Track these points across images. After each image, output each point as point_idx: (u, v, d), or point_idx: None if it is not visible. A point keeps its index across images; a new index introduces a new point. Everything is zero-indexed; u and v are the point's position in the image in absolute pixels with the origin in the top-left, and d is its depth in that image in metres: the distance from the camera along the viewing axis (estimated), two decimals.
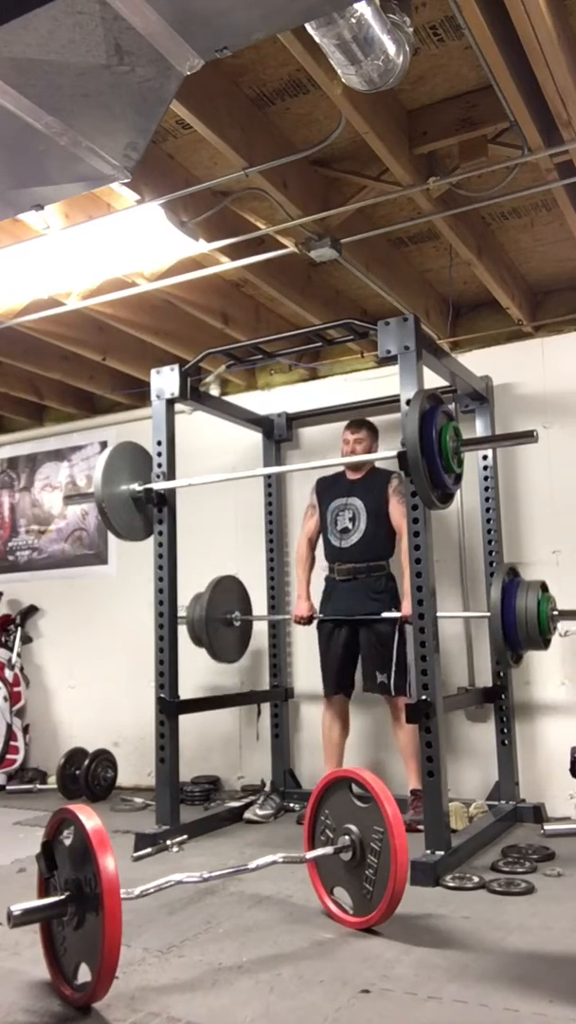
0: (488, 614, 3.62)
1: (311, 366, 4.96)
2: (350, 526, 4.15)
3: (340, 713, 4.14)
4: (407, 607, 3.73)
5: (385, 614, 3.95)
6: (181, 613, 3.95)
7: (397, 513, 4.00)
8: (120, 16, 1.55)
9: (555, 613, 3.64)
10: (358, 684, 4.14)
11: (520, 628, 3.54)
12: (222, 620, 4.47)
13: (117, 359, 4.74)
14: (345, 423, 4.29)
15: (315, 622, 4.21)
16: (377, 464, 4.24)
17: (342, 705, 4.14)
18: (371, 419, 4.30)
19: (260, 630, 4.73)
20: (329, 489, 4.31)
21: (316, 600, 4.25)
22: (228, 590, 4.56)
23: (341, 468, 4.31)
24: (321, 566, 4.30)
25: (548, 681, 4.10)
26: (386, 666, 3.94)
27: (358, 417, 4.36)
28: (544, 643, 3.61)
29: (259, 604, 4.70)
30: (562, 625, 3.75)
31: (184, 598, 3.97)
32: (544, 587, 3.63)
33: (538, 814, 3.87)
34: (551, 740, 4.05)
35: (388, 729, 4.18)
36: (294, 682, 4.68)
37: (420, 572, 3.30)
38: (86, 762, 4.75)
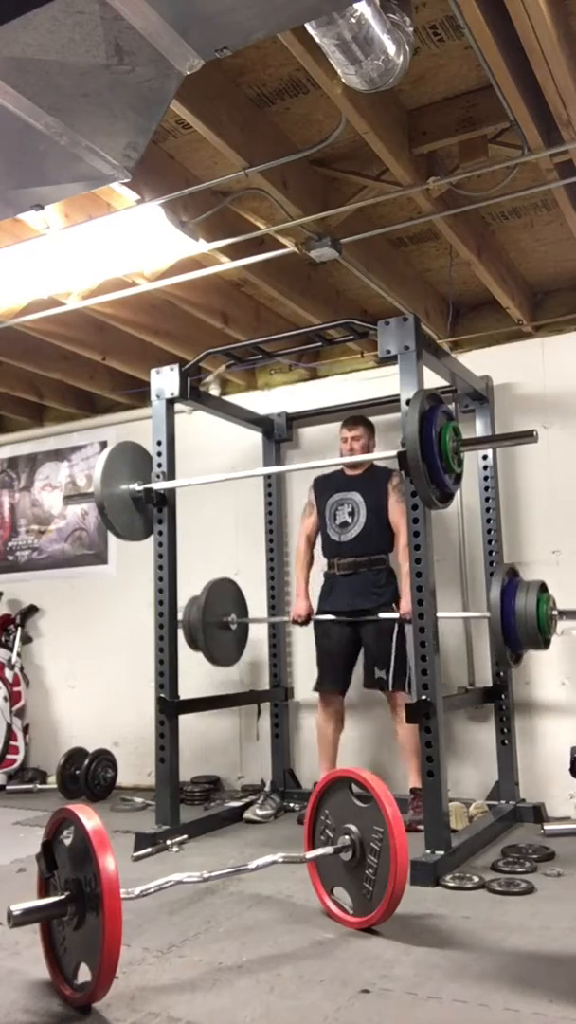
0: (488, 614, 3.63)
1: (311, 366, 4.96)
2: (349, 520, 4.15)
3: (335, 710, 4.14)
4: (406, 605, 3.74)
5: (383, 614, 3.96)
6: (180, 614, 3.95)
7: (396, 511, 4.00)
8: (120, 16, 1.55)
9: (555, 613, 3.64)
10: (354, 682, 4.14)
11: (520, 628, 3.54)
12: (218, 623, 4.45)
13: (117, 359, 4.74)
14: (342, 421, 4.29)
15: (312, 621, 4.21)
16: (376, 461, 4.25)
17: (337, 702, 4.14)
18: (371, 419, 4.30)
19: (259, 635, 4.72)
20: (327, 485, 4.32)
21: (315, 598, 4.25)
22: (224, 593, 4.54)
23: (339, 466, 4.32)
24: (321, 563, 4.30)
25: (548, 681, 4.10)
26: (385, 662, 3.94)
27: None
28: (544, 643, 3.61)
29: (259, 604, 4.70)
30: (561, 624, 3.76)
31: (184, 598, 3.97)
32: (543, 587, 3.63)
33: (538, 814, 3.87)
34: (551, 740, 4.05)
35: (388, 729, 4.18)
36: (294, 682, 4.68)
37: (420, 572, 3.30)
38: (86, 762, 4.75)
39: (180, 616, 4.10)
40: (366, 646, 4.06)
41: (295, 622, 4.27)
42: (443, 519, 4.29)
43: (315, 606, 4.25)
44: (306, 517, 4.40)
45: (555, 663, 4.07)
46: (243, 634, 4.64)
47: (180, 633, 3.98)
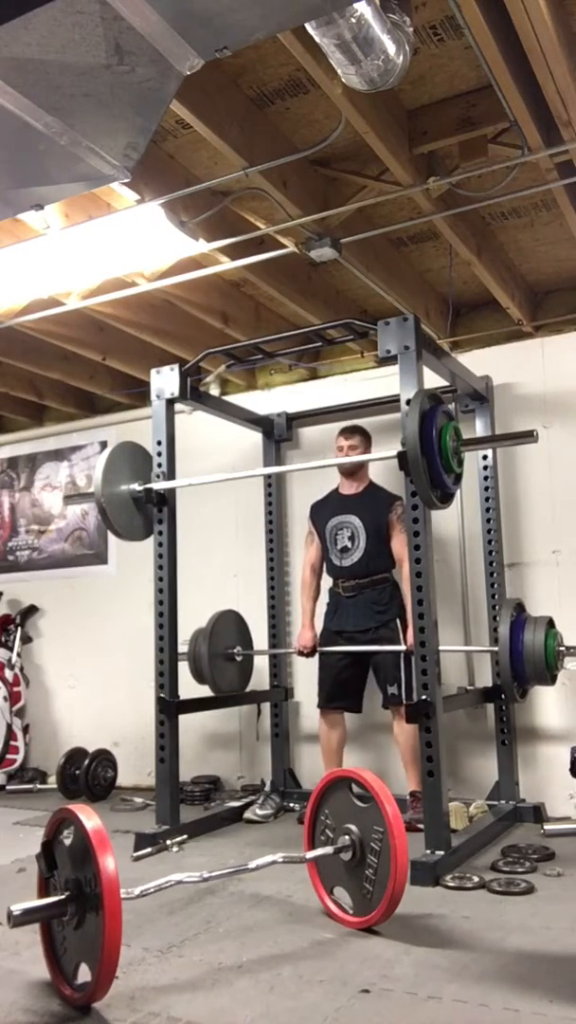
0: (493, 648, 3.60)
1: (311, 366, 4.96)
2: (349, 545, 4.15)
3: (337, 724, 4.14)
4: (411, 638, 3.67)
5: (387, 647, 3.96)
6: (180, 614, 3.94)
7: (399, 543, 4.00)
8: (120, 16, 1.55)
9: (562, 649, 3.64)
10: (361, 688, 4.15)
11: (528, 663, 3.55)
12: (224, 655, 4.39)
13: (117, 359, 4.74)
14: (340, 427, 4.29)
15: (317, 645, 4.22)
16: (376, 480, 4.25)
17: (338, 717, 4.15)
18: (371, 419, 4.30)
19: (259, 635, 4.71)
20: (324, 509, 4.32)
21: (320, 616, 4.26)
22: (229, 625, 4.49)
23: (333, 486, 4.33)
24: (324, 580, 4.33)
25: (546, 686, 4.09)
26: (395, 677, 3.95)
27: (356, 418, 4.37)
28: (551, 679, 3.61)
29: (259, 604, 4.69)
30: (568, 661, 3.73)
31: (184, 598, 3.97)
32: (551, 623, 3.63)
33: (538, 814, 3.87)
34: (551, 740, 4.04)
35: (388, 730, 4.18)
36: (294, 683, 4.68)
37: (420, 571, 3.30)
38: (86, 762, 4.75)
39: (182, 649, 4.06)
40: (375, 667, 4.06)
41: (300, 653, 4.26)
42: (443, 519, 4.29)
43: (319, 621, 4.25)
44: (308, 546, 4.39)
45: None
46: (248, 665, 4.56)
47: (181, 631, 3.97)
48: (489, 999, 2.08)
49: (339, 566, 4.18)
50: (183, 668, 3.95)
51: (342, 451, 4.18)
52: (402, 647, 3.92)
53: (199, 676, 4.30)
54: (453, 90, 2.83)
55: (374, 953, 2.40)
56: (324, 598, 4.32)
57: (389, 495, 4.14)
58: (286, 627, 4.69)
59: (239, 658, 4.48)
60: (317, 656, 4.22)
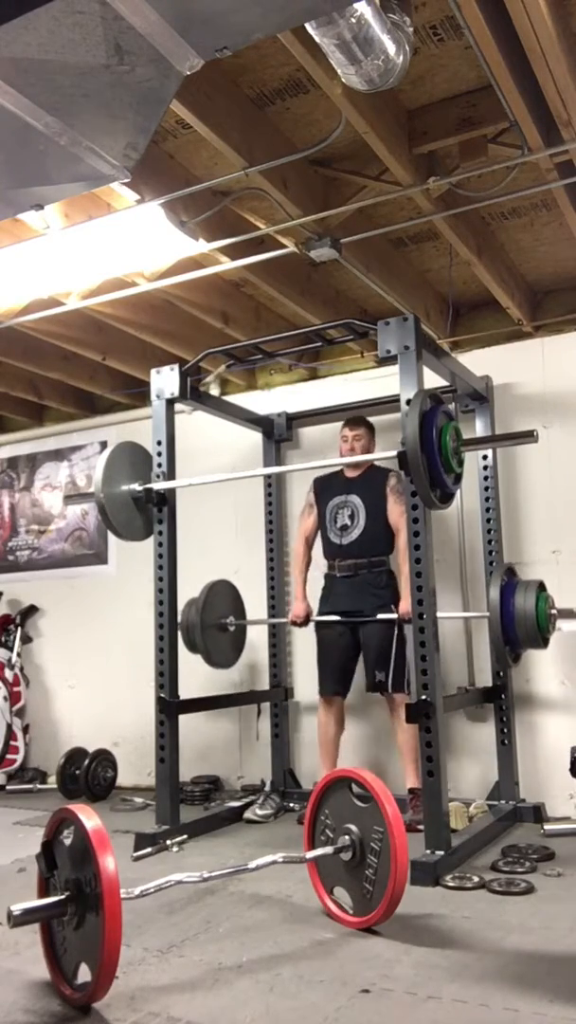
0: (487, 614, 3.63)
1: (311, 366, 4.96)
2: (349, 523, 4.15)
3: (336, 712, 4.14)
4: (405, 606, 3.74)
5: (381, 615, 3.96)
6: (180, 614, 3.95)
7: (395, 512, 4.01)
8: (120, 16, 1.55)
9: (553, 612, 3.65)
10: (356, 685, 4.15)
11: (519, 627, 3.54)
12: (217, 625, 4.43)
13: (117, 359, 4.74)
14: (343, 420, 4.29)
15: (312, 623, 4.22)
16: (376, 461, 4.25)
17: (338, 704, 4.15)
18: (371, 419, 4.30)
19: (260, 636, 4.72)
20: (327, 487, 4.32)
21: (314, 599, 4.25)
22: (222, 595, 4.52)
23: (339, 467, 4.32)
24: (319, 564, 4.31)
25: (548, 680, 4.10)
26: (384, 664, 3.95)
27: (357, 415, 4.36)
28: (543, 641, 3.62)
29: (259, 604, 4.69)
30: (561, 623, 3.76)
31: (184, 598, 3.97)
32: (542, 586, 3.64)
33: (538, 814, 3.87)
34: (551, 740, 4.05)
35: (388, 729, 4.18)
36: (294, 682, 4.68)
37: (420, 572, 3.30)
38: (86, 762, 4.75)
39: (179, 618, 4.09)
40: (365, 649, 4.06)
41: (294, 623, 4.27)
42: (443, 519, 4.29)
43: (315, 607, 4.25)
44: (306, 517, 4.39)
45: (555, 662, 4.07)
46: (241, 636, 4.63)
47: (179, 635, 3.98)
48: (489, 999, 2.08)
49: (337, 544, 4.17)
50: (183, 668, 3.95)
51: (346, 442, 4.19)
52: (394, 615, 3.92)
53: (191, 645, 4.33)
54: (453, 90, 2.83)
55: (374, 953, 2.40)
56: (319, 584, 4.29)
57: (385, 470, 4.15)
58: (286, 627, 4.69)
59: (232, 628, 4.51)
60: (316, 645, 4.21)
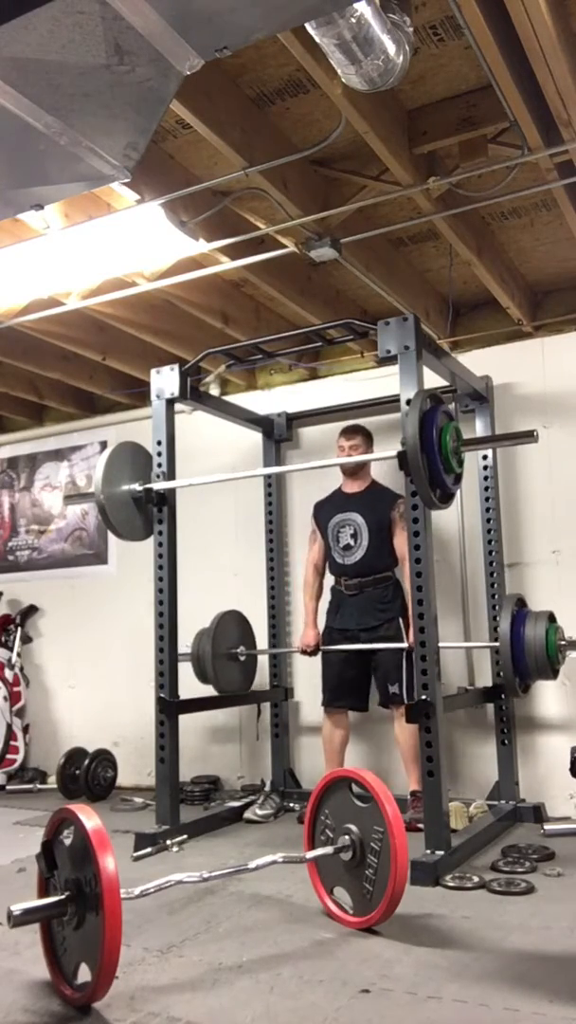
0: (494, 644, 3.60)
1: (311, 366, 4.95)
2: (352, 543, 4.14)
3: (340, 723, 4.14)
4: (412, 638, 3.68)
5: (389, 644, 3.95)
6: (180, 614, 3.94)
7: (401, 541, 3.99)
8: (120, 16, 1.55)
9: (563, 642, 3.63)
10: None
11: (529, 657, 3.54)
12: (227, 655, 4.39)
13: (117, 359, 4.74)
14: (341, 427, 4.28)
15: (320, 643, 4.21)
16: (377, 480, 4.25)
17: (343, 718, 4.15)
18: (371, 419, 4.30)
19: (260, 637, 4.71)
20: (326, 508, 4.31)
21: (322, 615, 4.26)
22: (232, 625, 4.48)
23: (334, 486, 4.32)
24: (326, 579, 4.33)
25: (548, 680, 4.09)
26: (397, 676, 3.95)
27: (356, 418, 4.37)
28: (553, 672, 3.61)
29: (259, 604, 4.69)
30: (570, 654, 3.72)
31: (184, 598, 3.97)
32: (552, 617, 3.63)
33: (538, 814, 3.87)
34: (551, 740, 4.05)
35: (388, 730, 4.18)
36: (294, 683, 4.68)
37: (420, 572, 3.30)
38: (86, 762, 4.75)
39: (184, 649, 4.05)
40: (376, 664, 4.05)
41: (303, 652, 4.25)
42: (443, 519, 4.29)
43: (322, 620, 4.24)
44: (311, 545, 4.38)
45: None
46: (251, 666, 4.56)
47: (181, 631, 3.97)
48: (489, 999, 2.08)
49: (342, 564, 4.18)
50: (183, 668, 3.95)
51: (343, 451, 4.18)
52: (404, 644, 3.91)
53: (203, 676, 4.31)
54: (453, 90, 2.83)
55: (374, 953, 2.40)
56: (326, 596, 4.31)
57: (392, 493, 4.13)
58: (286, 627, 4.69)
59: (242, 658, 4.48)
60: (320, 655, 4.21)
